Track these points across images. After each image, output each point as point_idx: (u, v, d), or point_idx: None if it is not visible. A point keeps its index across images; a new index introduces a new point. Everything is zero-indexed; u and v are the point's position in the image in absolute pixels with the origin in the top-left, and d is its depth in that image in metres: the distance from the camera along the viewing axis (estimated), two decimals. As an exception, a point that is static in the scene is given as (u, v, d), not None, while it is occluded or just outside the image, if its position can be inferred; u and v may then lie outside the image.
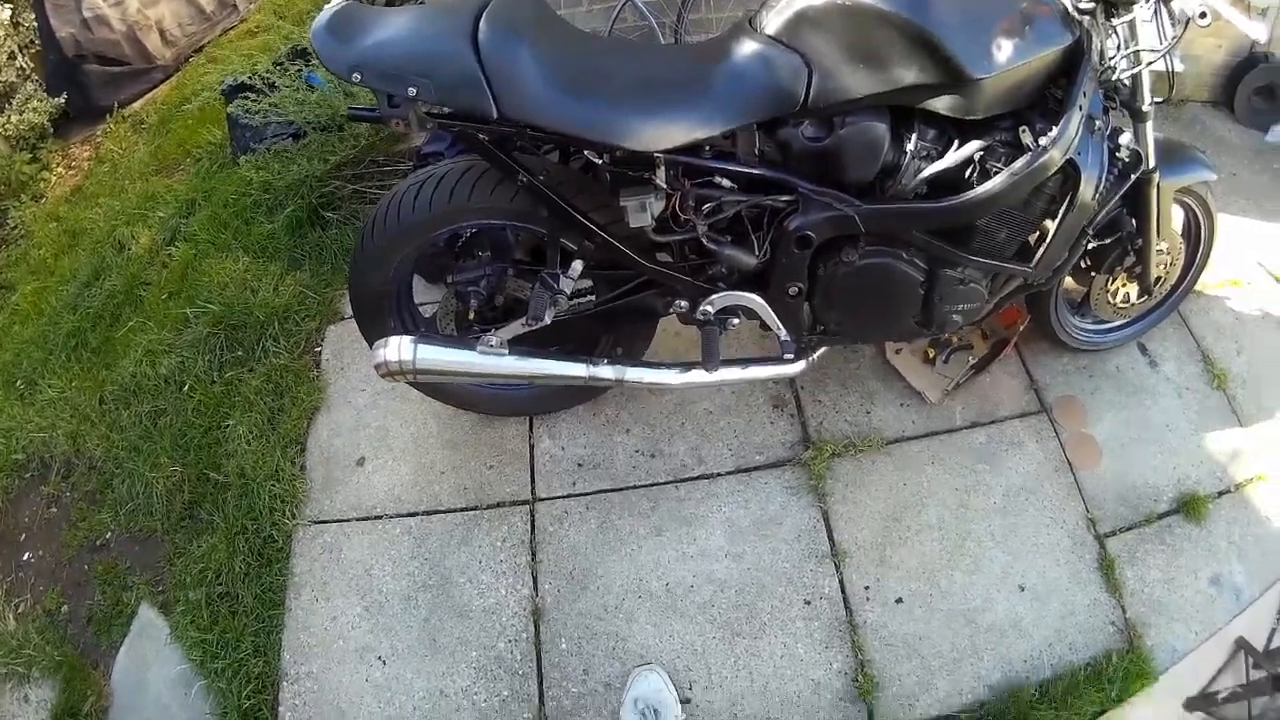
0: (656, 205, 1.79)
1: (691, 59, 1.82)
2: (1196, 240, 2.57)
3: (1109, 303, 2.48)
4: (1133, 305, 2.53)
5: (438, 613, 2.20)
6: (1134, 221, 2.23)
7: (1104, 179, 1.88)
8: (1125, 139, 1.97)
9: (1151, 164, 2.07)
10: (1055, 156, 1.72)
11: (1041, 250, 1.96)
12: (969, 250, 1.90)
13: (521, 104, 1.58)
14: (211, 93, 3.76)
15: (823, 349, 2.13)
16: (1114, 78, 1.87)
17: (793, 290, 1.94)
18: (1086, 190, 1.85)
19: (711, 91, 1.68)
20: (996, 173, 1.75)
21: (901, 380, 2.43)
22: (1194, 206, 2.45)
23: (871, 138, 1.74)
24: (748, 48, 1.70)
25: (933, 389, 2.39)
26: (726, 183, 1.81)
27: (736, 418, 2.36)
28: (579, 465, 2.35)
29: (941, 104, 1.70)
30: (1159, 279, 2.48)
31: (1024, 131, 1.73)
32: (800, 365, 2.11)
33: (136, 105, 4.42)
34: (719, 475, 2.29)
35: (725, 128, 1.69)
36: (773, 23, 1.70)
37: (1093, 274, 2.39)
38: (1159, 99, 2.00)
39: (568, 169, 1.88)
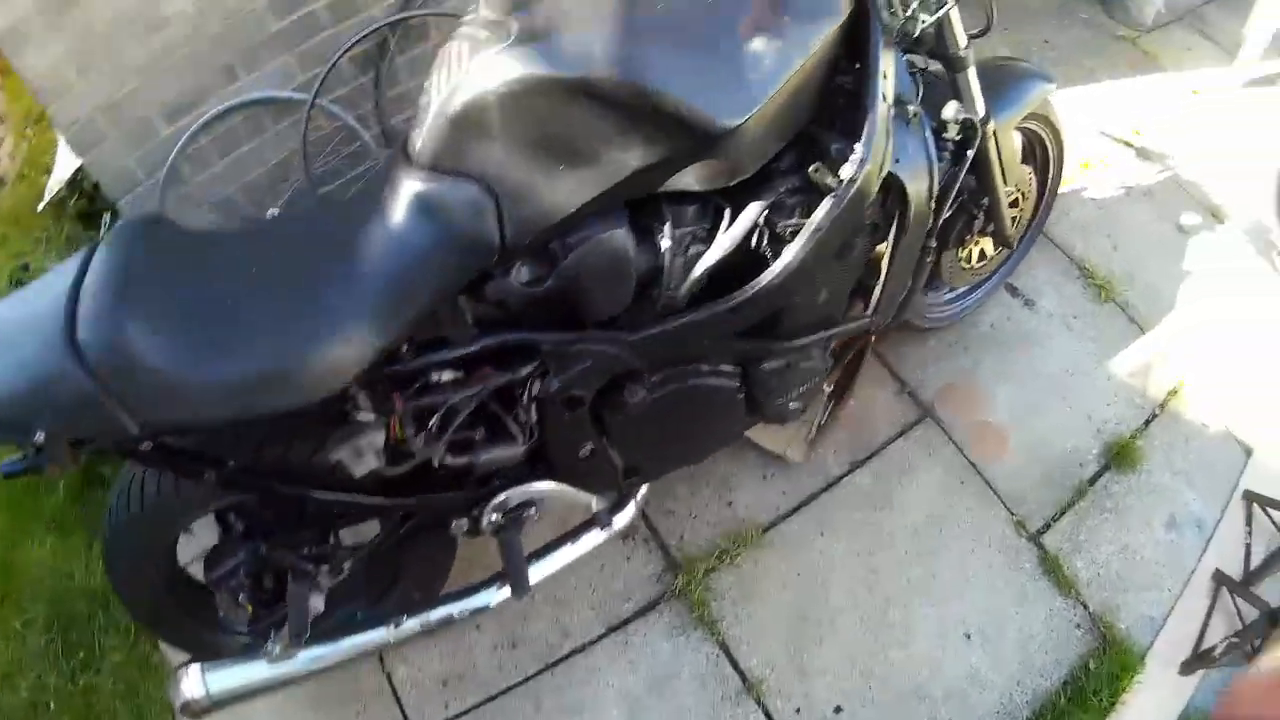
0: (377, 439, 1.33)
1: (342, 235, 1.25)
2: (1045, 161, 2.18)
3: (964, 269, 2.10)
4: (991, 258, 2.16)
5: None
6: (975, 179, 1.84)
7: (936, 174, 1.48)
8: (950, 110, 1.53)
9: (982, 113, 1.66)
10: (866, 184, 1.30)
11: (878, 291, 1.56)
12: (785, 335, 1.49)
13: (158, 405, 1.09)
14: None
15: (645, 488, 1.73)
16: (915, 30, 1.44)
17: (584, 453, 1.51)
18: (918, 200, 1.45)
19: (377, 279, 1.15)
20: (793, 234, 1.31)
21: (755, 448, 2.03)
22: (1034, 128, 2.05)
23: (608, 255, 1.26)
24: (407, 192, 1.19)
25: (794, 445, 1.99)
26: (449, 374, 1.35)
27: (587, 568, 1.94)
28: (444, 684, 1.93)
29: (690, 178, 1.24)
30: (1013, 221, 2.09)
31: (816, 170, 1.30)
32: (627, 514, 1.69)
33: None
34: (592, 643, 1.88)
35: (409, 324, 1.20)
36: (428, 146, 1.19)
37: (939, 251, 2.00)
38: (976, 33, 1.58)
39: (260, 434, 1.37)
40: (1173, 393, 2.26)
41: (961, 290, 2.22)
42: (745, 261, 1.35)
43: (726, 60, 1.17)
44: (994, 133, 1.75)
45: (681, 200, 1.31)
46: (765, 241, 1.35)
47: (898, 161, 1.38)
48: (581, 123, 1.15)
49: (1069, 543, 1.98)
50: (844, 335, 1.60)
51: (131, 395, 1.07)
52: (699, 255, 1.34)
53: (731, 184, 1.27)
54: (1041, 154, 2.17)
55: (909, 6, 1.44)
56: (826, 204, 1.29)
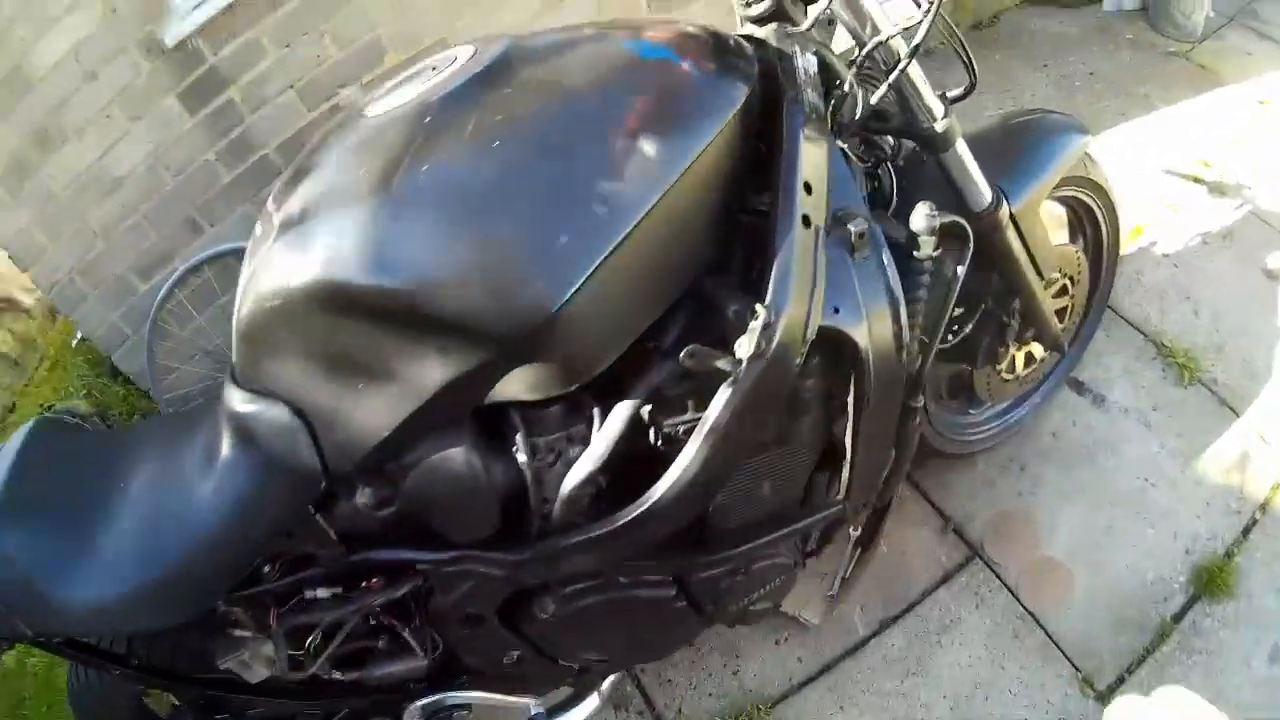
0: (264, 649, 1.18)
1: (186, 453, 1.11)
2: (1095, 230, 1.79)
3: (1006, 381, 1.74)
4: (1041, 361, 1.77)
5: None
6: (998, 278, 1.49)
7: (904, 312, 1.10)
8: (920, 219, 1.12)
9: (988, 198, 1.31)
10: (781, 357, 0.94)
11: (846, 473, 1.22)
12: (722, 543, 1.19)
13: (40, 615, 1.02)
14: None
15: (613, 676, 1.49)
16: (857, 110, 1.10)
17: (509, 660, 1.28)
18: (880, 355, 1.08)
19: (210, 509, 1.03)
20: (687, 432, 1.01)
21: None
22: (1074, 193, 1.67)
23: (447, 478, 1.02)
24: (228, 413, 1.03)
25: (810, 605, 1.69)
26: (325, 591, 1.16)
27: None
28: None
29: (517, 387, 0.95)
30: (1065, 311, 1.73)
31: (692, 356, 0.92)
32: (589, 705, 1.45)
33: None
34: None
35: (251, 552, 1.06)
36: (236, 362, 1.04)
37: (968, 369, 1.66)
38: (958, 94, 1.22)
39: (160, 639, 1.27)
40: (1276, 486, 1.86)
41: (1009, 402, 1.86)
42: (653, 458, 1.05)
43: (530, 222, 0.87)
44: (1009, 218, 1.38)
45: (539, 402, 1.00)
46: (661, 439, 1.05)
47: (837, 311, 1.02)
48: (357, 336, 0.91)
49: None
50: (809, 529, 1.28)
51: (15, 603, 1.02)
52: (570, 474, 1.05)
53: (575, 386, 0.96)
54: (1090, 223, 1.78)
55: (843, 77, 1.07)
56: (722, 395, 0.94)
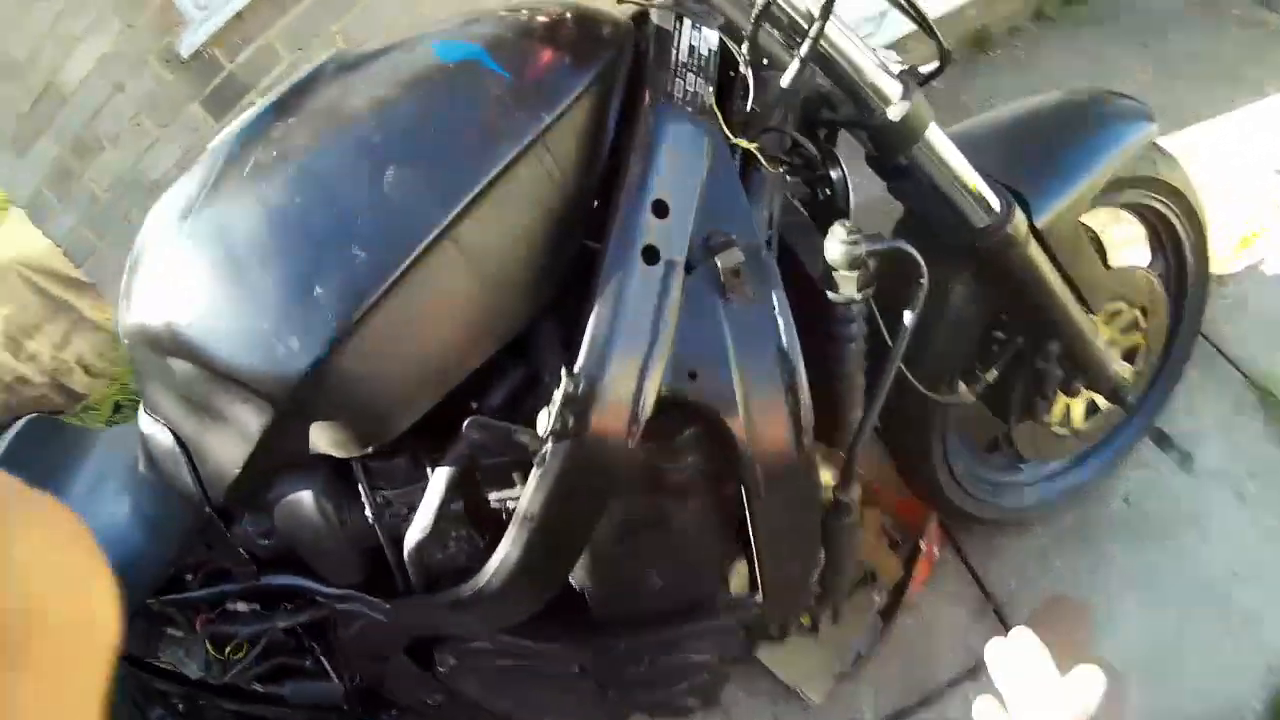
0: (197, 649, 1.18)
1: (124, 464, 1.12)
2: (1176, 245, 1.46)
3: (1059, 436, 1.45)
4: (1105, 413, 1.47)
5: None
6: (1029, 314, 1.21)
7: (803, 378, 0.85)
8: (835, 247, 0.84)
9: (996, 211, 1.02)
10: (604, 436, 0.78)
11: (759, 572, 1.03)
12: (609, 630, 1.05)
13: None
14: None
15: None
16: (749, 99, 0.86)
17: (434, 700, 1.21)
18: (764, 438, 0.84)
19: (127, 522, 1.03)
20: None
21: (768, 674, 1.53)
22: (1142, 199, 1.35)
23: (298, 521, 0.95)
24: (139, 435, 1.01)
25: (815, 679, 1.49)
26: (244, 605, 1.15)
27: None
28: None
29: (324, 444, 0.85)
30: (1135, 352, 1.43)
31: (473, 428, 0.79)
32: None
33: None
34: None
35: (163, 564, 1.05)
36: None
37: (1004, 424, 1.39)
38: (929, 73, 0.94)
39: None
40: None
41: (1069, 461, 1.56)
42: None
43: (283, 273, 0.77)
44: (1028, 234, 1.07)
45: (382, 454, 0.89)
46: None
47: (694, 377, 0.80)
48: (181, 376, 0.86)
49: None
50: (722, 632, 1.10)
51: None
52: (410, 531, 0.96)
53: (372, 447, 0.86)
54: (1169, 237, 1.44)
55: (740, 40, 0.84)
56: (533, 479, 0.80)
